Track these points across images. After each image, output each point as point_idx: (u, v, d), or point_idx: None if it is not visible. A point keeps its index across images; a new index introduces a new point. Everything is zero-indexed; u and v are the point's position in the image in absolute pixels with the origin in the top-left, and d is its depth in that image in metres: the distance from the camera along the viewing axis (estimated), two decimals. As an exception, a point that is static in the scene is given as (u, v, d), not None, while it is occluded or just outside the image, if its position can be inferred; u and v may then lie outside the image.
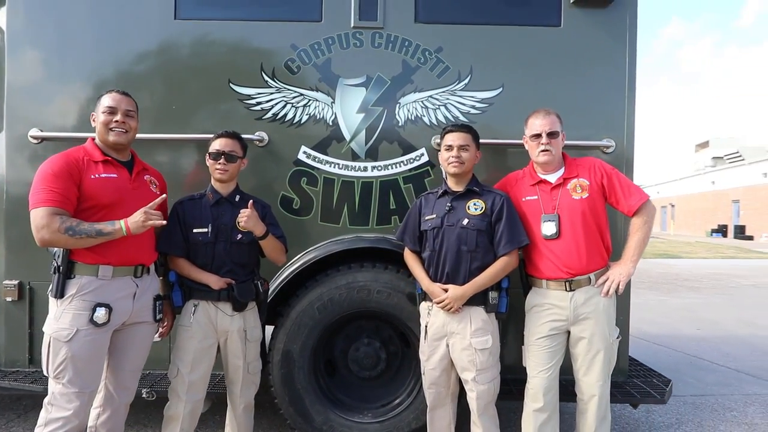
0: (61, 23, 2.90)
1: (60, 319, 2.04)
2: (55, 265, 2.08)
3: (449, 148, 2.50)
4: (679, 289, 10.42)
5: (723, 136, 41.88)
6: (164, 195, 2.23)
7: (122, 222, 2.07)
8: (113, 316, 2.11)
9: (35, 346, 2.92)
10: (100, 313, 2.07)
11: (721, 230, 31.75)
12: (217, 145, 2.45)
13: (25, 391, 2.78)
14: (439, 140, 2.87)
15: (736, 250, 21.12)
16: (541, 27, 2.97)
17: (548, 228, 2.46)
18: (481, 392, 2.41)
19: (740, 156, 34.61)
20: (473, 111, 2.95)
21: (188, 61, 2.93)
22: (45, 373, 2.07)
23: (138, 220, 2.07)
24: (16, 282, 2.89)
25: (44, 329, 2.09)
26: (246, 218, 2.34)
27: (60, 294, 2.05)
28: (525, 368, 2.63)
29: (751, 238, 28.48)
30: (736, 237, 29.39)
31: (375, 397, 2.95)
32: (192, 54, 2.93)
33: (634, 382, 2.99)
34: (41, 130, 2.90)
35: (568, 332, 2.48)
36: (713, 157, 40.23)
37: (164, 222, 2.15)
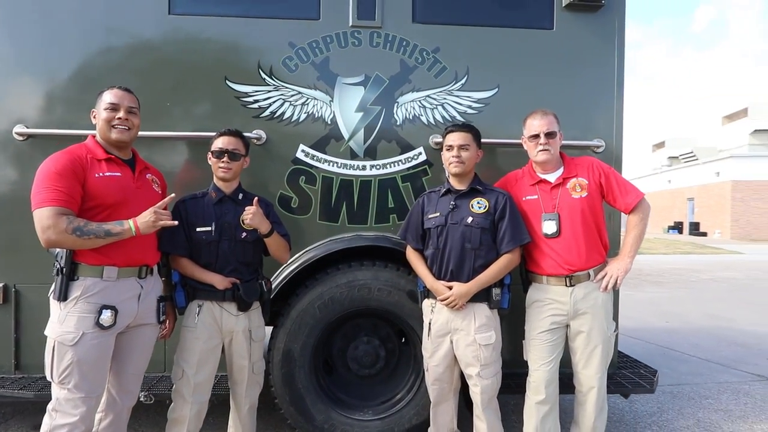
0: (47, 14, 2.79)
1: (64, 322, 1.98)
2: (58, 266, 2.00)
3: (450, 148, 2.54)
4: (643, 283, 10.82)
5: (678, 136, 43.52)
6: (173, 195, 2.19)
7: (131, 222, 2.02)
8: (119, 319, 2.05)
9: (21, 351, 2.81)
10: (106, 316, 2.01)
11: (677, 227, 33.10)
12: (219, 143, 2.41)
13: (13, 398, 2.67)
14: (437, 139, 2.93)
15: (692, 246, 22.07)
16: (535, 30, 3.05)
17: (549, 227, 2.53)
18: (485, 386, 2.46)
19: (694, 156, 36.10)
20: (470, 111, 3.00)
21: (183, 58, 2.87)
22: (49, 378, 2.00)
23: (148, 220, 2.02)
24: (0, 285, 2.77)
25: (47, 333, 2.02)
26: (251, 215, 2.32)
27: (63, 296, 1.98)
28: (518, 362, 2.70)
29: (704, 234, 29.80)
30: (691, 233, 30.69)
31: (374, 395, 2.97)
32: (187, 50, 2.87)
33: (624, 373, 3.11)
34: (27, 127, 2.79)
35: (568, 326, 2.56)
36: (669, 157, 41.78)
37: (175, 222, 2.11)
